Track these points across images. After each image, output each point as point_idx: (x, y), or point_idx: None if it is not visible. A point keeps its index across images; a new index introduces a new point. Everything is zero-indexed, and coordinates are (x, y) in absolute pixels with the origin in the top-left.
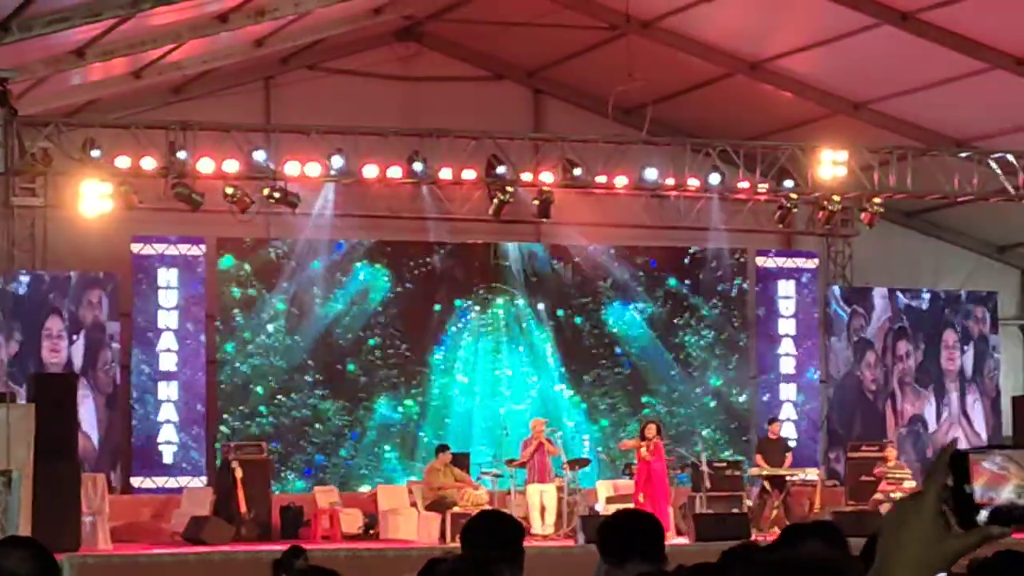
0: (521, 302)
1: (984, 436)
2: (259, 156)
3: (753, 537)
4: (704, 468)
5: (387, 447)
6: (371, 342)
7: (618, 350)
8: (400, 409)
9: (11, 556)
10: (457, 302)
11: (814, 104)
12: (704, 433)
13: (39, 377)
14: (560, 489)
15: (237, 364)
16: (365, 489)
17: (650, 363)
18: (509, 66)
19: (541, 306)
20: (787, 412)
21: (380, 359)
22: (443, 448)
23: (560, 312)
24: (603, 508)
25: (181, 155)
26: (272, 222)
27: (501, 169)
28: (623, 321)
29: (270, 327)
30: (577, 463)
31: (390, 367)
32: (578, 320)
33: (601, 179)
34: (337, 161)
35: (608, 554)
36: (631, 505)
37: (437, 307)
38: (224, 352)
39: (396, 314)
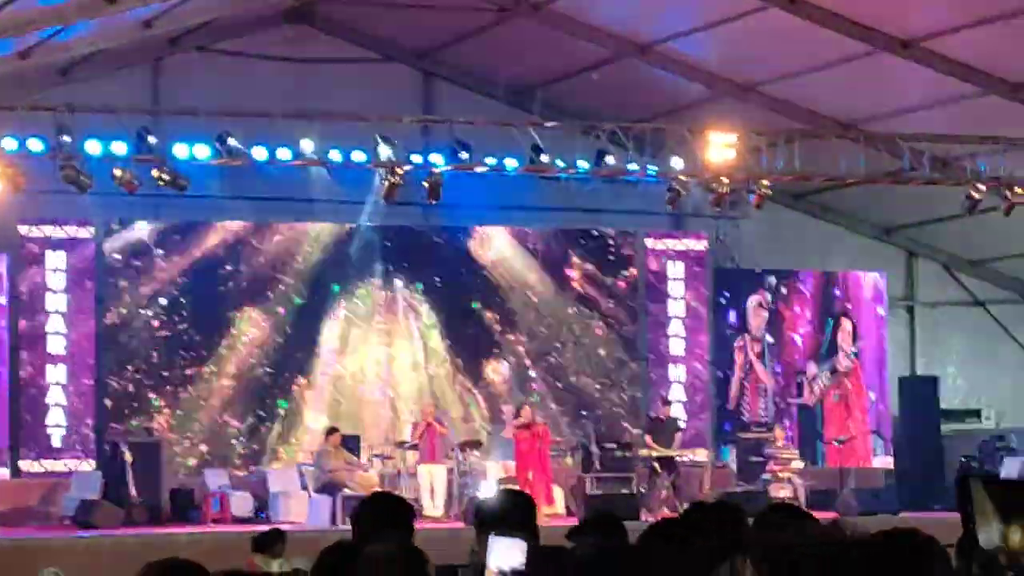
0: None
1: (871, 418)
2: (147, 138)
3: (643, 518)
4: (594, 449)
5: (276, 428)
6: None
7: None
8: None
9: None
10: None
11: (702, 86)
12: (594, 414)
13: None
14: (450, 471)
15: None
16: (254, 471)
17: (542, 344)
18: (399, 48)
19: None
20: (676, 394)
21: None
22: (333, 430)
23: (451, 294)
24: (494, 489)
25: (67, 137)
26: (161, 204)
27: (388, 150)
28: (521, 302)
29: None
30: (469, 444)
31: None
32: (474, 305)
33: (491, 161)
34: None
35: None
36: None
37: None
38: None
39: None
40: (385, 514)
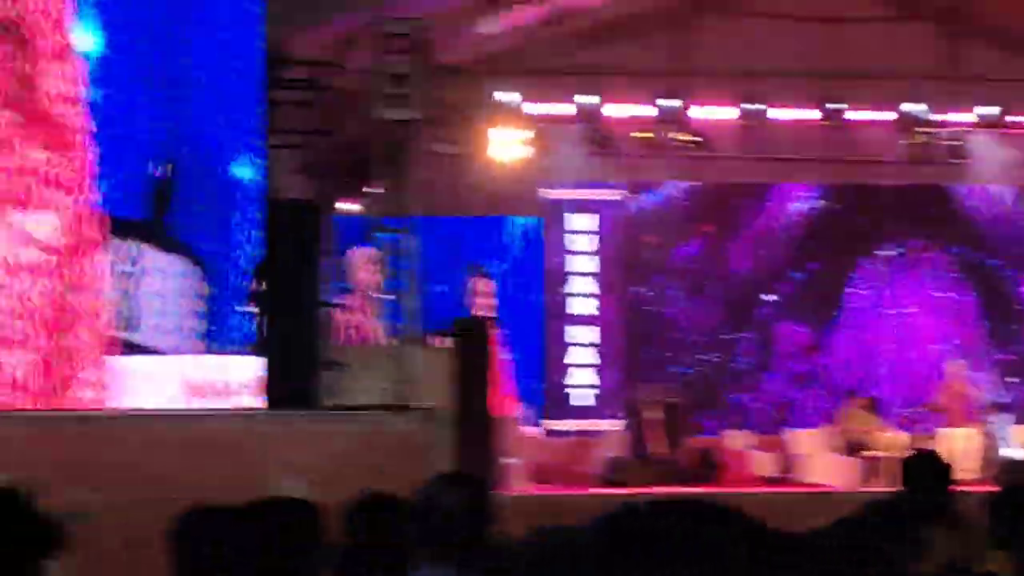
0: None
1: None
2: (669, 101)
3: None
4: None
5: (798, 390)
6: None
7: None
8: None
9: (449, 492)
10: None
11: None
12: None
13: (457, 322)
14: (982, 433)
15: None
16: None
17: None
18: (921, 4)
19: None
20: None
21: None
22: (854, 392)
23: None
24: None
25: (594, 100)
26: (688, 167)
27: (914, 108)
28: None
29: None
30: (997, 407)
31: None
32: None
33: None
34: (751, 105)
35: None
36: None
37: None
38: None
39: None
40: (930, 473)
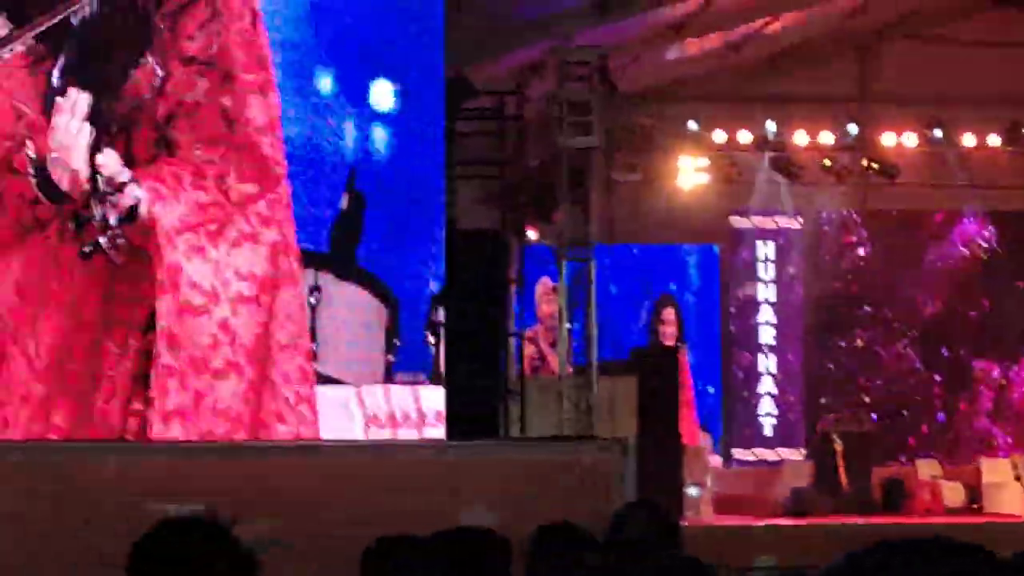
0: None
1: None
2: (852, 128)
3: None
4: None
5: (987, 419)
6: None
7: None
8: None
9: (637, 522)
10: None
11: None
12: None
13: (640, 351)
14: None
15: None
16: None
17: None
18: None
19: None
20: None
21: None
22: None
23: None
24: None
25: (775, 127)
26: (869, 195)
27: None
28: None
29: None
30: None
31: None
32: None
33: None
34: (936, 132)
35: None
36: None
37: None
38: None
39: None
40: None
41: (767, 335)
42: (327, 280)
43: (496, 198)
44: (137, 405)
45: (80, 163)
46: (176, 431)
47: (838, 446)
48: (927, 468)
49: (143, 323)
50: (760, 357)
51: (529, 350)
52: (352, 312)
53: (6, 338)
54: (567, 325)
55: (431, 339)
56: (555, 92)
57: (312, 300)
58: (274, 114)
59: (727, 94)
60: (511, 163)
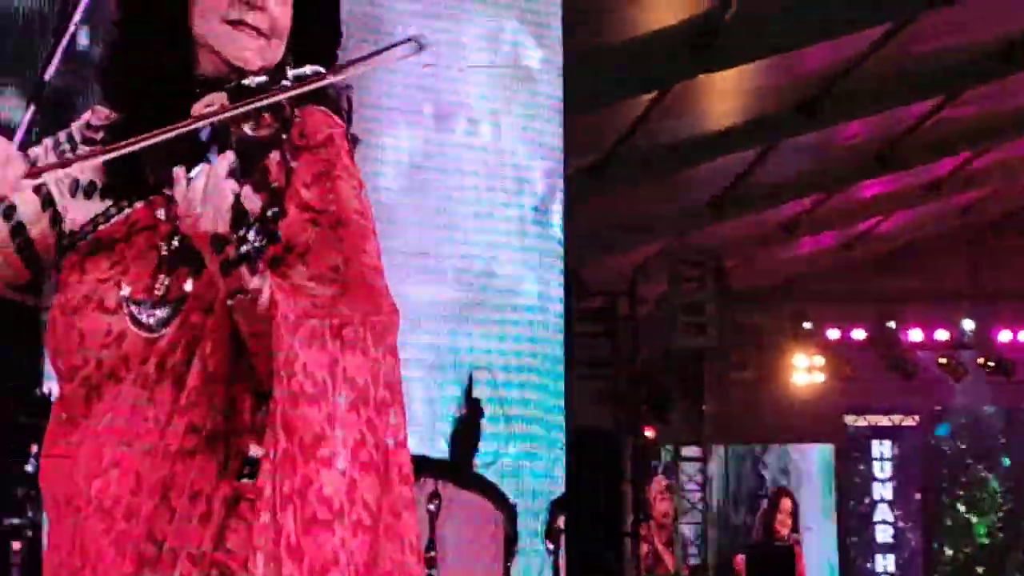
0: None
1: None
2: (968, 324)
3: None
4: None
5: None
6: None
7: None
8: None
9: None
10: None
11: None
12: None
13: (756, 547)
14: None
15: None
16: None
17: None
18: None
19: None
20: None
21: None
22: None
23: None
24: None
25: (891, 324)
26: (991, 392)
27: None
28: None
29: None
30: None
31: None
32: None
33: None
34: None
35: None
36: None
37: None
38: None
39: None
40: None
41: (884, 534)
42: (446, 489)
43: (609, 397)
44: None
45: None
46: None
47: None
48: None
49: None
50: (878, 557)
51: (643, 549)
52: (470, 523)
53: None
54: (682, 524)
55: (550, 545)
56: (669, 292)
57: (430, 508)
58: (379, 255)
59: (841, 292)
60: (626, 363)
